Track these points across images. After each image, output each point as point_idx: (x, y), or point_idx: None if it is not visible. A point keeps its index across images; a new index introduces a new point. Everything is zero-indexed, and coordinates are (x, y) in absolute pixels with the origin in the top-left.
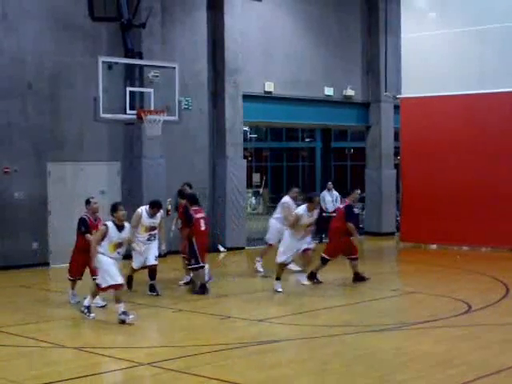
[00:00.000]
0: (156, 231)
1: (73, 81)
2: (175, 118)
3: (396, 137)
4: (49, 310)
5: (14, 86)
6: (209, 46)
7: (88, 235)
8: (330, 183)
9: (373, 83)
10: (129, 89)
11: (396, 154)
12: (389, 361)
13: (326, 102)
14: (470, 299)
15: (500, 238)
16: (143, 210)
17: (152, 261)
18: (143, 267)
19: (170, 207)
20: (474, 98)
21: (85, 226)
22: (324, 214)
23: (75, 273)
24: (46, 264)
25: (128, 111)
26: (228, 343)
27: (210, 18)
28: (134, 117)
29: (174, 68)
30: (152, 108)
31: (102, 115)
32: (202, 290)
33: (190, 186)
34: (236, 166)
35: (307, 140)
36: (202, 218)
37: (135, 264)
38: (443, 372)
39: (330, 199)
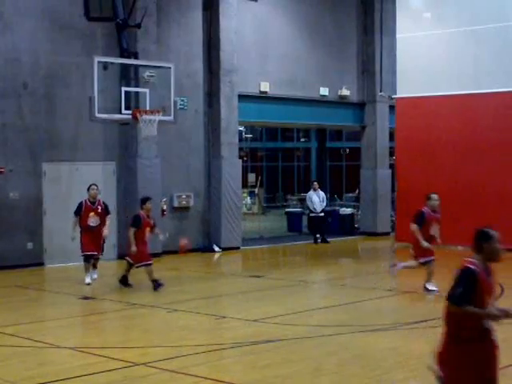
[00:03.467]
0: None
1: (68, 81)
2: (171, 117)
3: (391, 137)
4: (44, 310)
5: (9, 86)
6: (204, 46)
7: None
8: (315, 183)
9: (368, 83)
10: (124, 89)
11: (391, 153)
12: (384, 361)
13: (322, 102)
14: None
15: None
16: None
17: None
18: None
19: (165, 207)
20: (470, 98)
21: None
22: (312, 215)
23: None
24: (41, 264)
25: (123, 111)
26: (223, 343)
27: (205, 19)
28: (130, 117)
29: (170, 68)
30: (147, 108)
31: (98, 115)
32: None
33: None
34: (231, 166)
35: (302, 140)
36: None
37: None
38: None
39: (317, 199)
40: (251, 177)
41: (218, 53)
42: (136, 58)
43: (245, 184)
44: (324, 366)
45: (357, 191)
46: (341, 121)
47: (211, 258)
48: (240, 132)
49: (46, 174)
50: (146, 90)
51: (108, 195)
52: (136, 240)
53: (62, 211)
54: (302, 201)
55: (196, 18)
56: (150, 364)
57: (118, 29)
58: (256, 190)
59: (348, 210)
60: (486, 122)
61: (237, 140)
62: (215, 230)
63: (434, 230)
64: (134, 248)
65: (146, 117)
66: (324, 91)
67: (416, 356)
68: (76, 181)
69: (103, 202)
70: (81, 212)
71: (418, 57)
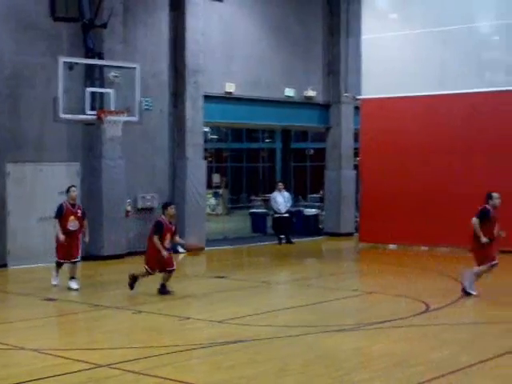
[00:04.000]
0: None
1: (33, 81)
2: (135, 118)
3: (356, 138)
4: (7, 311)
5: None
6: (170, 46)
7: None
8: (280, 184)
9: (333, 84)
10: (89, 89)
11: (356, 154)
12: (348, 361)
13: (287, 102)
14: (428, 299)
15: (458, 238)
16: None
17: None
18: None
19: (129, 208)
20: (435, 99)
21: None
22: (277, 216)
23: None
24: (4, 265)
25: (88, 111)
26: (188, 344)
27: (171, 19)
28: (94, 117)
29: (135, 68)
30: (112, 108)
31: (62, 115)
32: None
33: None
34: (196, 167)
35: (267, 141)
36: None
37: None
38: (401, 372)
39: (282, 200)
40: (216, 177)
41: (184, 53)
42: (101, 58)
43: (209, 185)
44: (289, 367)
45: (321, 192)
46: (306, 122)
47: (175, 259)
48: (205, 133)
49: (10, 175)
50: (111, 91)
51: None
52: (150, 247)
53: (26, 212)
54: (267, 201)
55: (162, 19)
56: (114, 365)
57: (84, 29)
58: (220, 191)
59: (312, 211)
60: (452, 123)
61: (202, 141)
62: (179, 230)
63: (496, 230)
64: (164, 253)
65: (110, 117)
66: (289, 92)
67: (380, 356)
68: (40, 182)
69: (82, 206)
70: (61, 215)
71: (384, 58)
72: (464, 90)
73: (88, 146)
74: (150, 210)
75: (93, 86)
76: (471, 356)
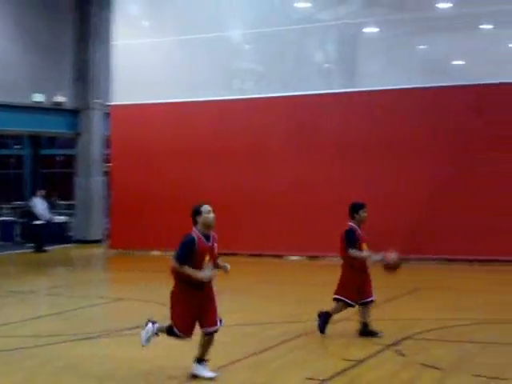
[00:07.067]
0: None
1: None
2: None
3: (107, 144)
4: None
5: None
6: None
7: None
8: (42, 190)
9: (83, 90)
10: None
11: (107, 161)
12: (96, 369)
13: (35, 108)
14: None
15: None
16: None
17: None
18: None
19: None
20: (186, 105)
21: None
22: (37, 222)
23: None
24: None
25: None
26: None
27: None
28: None
29: None
30: None
31: None
32: None
33: None
34: None
35: (16, 147)
36: None
37: None
38: (152, 379)
39: (44, 206)
40: None
41: None
42: None
43: None
44: (36, 377)
45: (53, 198)
46: (55, 128)
47: None
48: None
49: None
50: None
51: None
52: None
53: None
54: (16, 209)
55: None
56: None
57: None
58: None
59: (61, 218)
60: (203, 130)
61: None
62: None
63: None
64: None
65: None
66: (38, 97)
67: (127, 363)
68: None
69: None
70: (190, 256)
71: (135, 64)
72: (214, 98)
73: None
74: None
75: None
76: (224, 358)
